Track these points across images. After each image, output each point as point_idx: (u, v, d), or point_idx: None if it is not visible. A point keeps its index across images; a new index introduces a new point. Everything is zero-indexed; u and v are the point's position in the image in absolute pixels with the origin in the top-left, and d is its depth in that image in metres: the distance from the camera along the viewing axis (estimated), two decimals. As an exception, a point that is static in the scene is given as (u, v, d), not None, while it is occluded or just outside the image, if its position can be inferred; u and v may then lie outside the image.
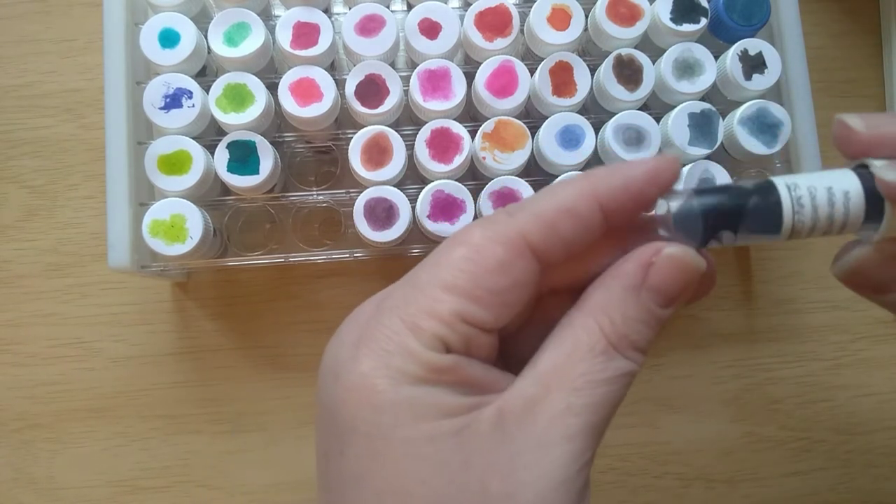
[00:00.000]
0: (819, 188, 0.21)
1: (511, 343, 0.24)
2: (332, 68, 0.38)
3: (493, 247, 0.21)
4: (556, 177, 0.36)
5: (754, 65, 0.37)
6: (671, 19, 0.36)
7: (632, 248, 0.22)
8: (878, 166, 0.21)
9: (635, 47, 0.37)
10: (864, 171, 0.21)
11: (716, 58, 0.37)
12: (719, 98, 0.38)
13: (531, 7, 0.37)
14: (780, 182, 0.21)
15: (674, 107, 0.37)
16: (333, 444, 0.21)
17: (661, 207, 0.22)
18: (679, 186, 0.22)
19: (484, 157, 0.36)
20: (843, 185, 0.21)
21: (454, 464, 0.20)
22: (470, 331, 0.21)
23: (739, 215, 0.21)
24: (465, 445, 0.20)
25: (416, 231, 0.37)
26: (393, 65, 0.37)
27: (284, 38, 0.36)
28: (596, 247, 0.22)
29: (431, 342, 0.20)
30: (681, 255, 0.21)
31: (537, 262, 0.21)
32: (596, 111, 0.38)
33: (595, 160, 0.37)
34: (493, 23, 0.36)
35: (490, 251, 0.21)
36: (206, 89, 0.36)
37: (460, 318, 0.21)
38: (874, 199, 0.21)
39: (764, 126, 0.36)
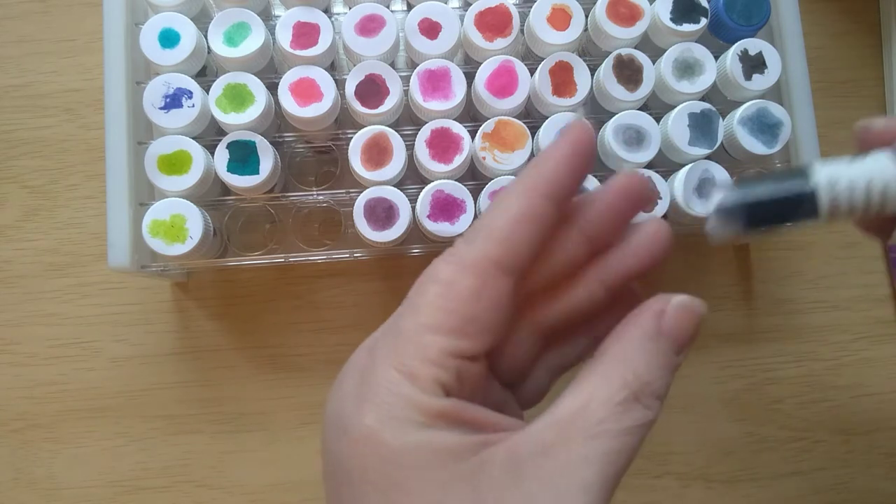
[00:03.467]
0: (858, 181, 0.22)
1: (503, 361, 0.24)
2: (332, 68, 0.38)
3: (463, 278, 0.22)
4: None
5: (754, 65, 0.37)
6: (671, 19, 0.36)
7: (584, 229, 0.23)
8: None
9: (635, 47, 0.37)
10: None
11: (716, 58, 0.37)
12: (719, 98, 0.38)
13: (531, 7, 0.37)
14: (818, 168, 0.22)
15: (674, 107, 0.37)
16: (346, 497, 0.22)
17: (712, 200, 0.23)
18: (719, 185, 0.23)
19: (484, 157, 0.36)
20: (882, 172, 0.22)
21: None
22: (460, 364, 0.21)
23: (778, 206, 0.22)
24: (478, 489, 0.20)
25: (416, 231, 0.37)
26: (393, 65, 0.37)
27: (284, 38, 0.36)
28: (555, 241, 0.23)
29: (429, 387, 0.21)
30: (688, 302, 0.22)
31: (508, 278, 0.22)
32: (596, 111, 0.38)
33: (595, 160, 0.37)
34: (493, 23, 0.36)
35: (461, 283, 0.22)
36: (206, 89, 0.36)
37: (449, 355, 0.21)
38: None
39: (764, 126, 0.36)
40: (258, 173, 0.36)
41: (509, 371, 0.25)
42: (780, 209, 0.22)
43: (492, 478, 0.20)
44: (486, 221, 0.22)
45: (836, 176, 0.22)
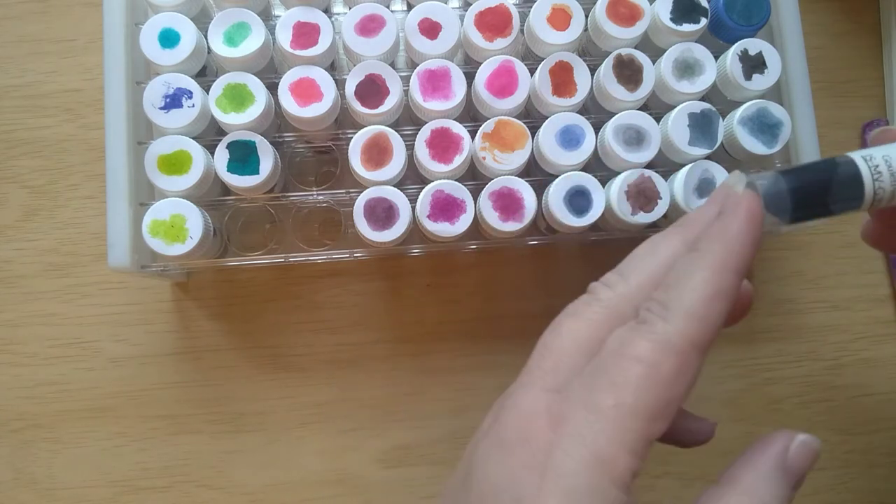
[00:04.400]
0: (893, 156, 0.22)
1: None
2: (332, 68, 0.38)
3: (668, 360, 0.21)
4: (556, 177, 0.36)
5: (754, 65, 0.37)
6: (671, 19, 0.36)
7: None
8: None
9: (635, 47, 0.37)
10: None
11: (716, 58, 0.37)
12: (719, 98, 0.38)
13: (531, 7, 0.37)
14: (856, 155, 0.22)
15: (674, 107, 0.37)
16: None
17: (750, 192, 0.23)
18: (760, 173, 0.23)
19: (484, 157, 0.36)
20: None
21: None
22: (648, 447, 0.21)
23: (825, 190, 0.22)
24: None
25: (416, 231, 0.37)
26: (393, 65, 0.37)
27: (284, 38, 0.36)
28: None
29: (622, 476, 0.20)
30: (810, 441, 0.23)
31: (702, 357, 0.22)
32: (596, 111, 0.38)
33: (595, 160, 0.37)
34: (493, 23, 0.36)
35: (666, 365, 0.21)
36: (206, 89, 0.36)
37: (648, 441, 0.21)
38: None
39: (764, 126, 0.36)
40: (258, 173, 0.36)
41: None
42: (823, 186, 0.22)
43: None
44: (683, 298, 0.21)
45: (870, 153, 0.22)
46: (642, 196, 0.36)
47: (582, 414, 0.21)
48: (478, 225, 0.37)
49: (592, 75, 0.37)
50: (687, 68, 0.37)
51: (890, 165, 0.22)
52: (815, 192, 0.22)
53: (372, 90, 0.36)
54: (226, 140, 0.36)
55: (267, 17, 0.37)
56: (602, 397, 0.21)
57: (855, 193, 0.22)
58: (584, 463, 0.20)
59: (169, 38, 0.36)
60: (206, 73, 0.38)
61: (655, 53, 0.37)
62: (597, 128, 0.37)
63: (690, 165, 0.36)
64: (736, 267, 0.22)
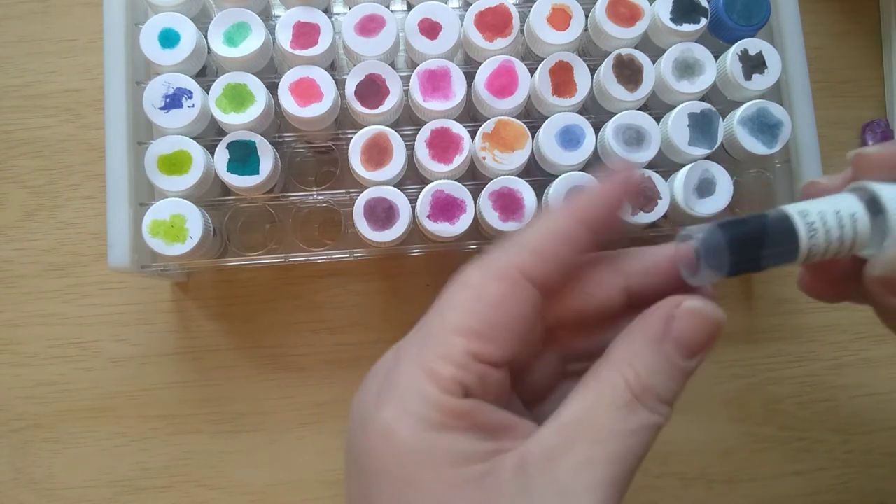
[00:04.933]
0: (828, 212, 0.22)
1: (526, 379, 0.24)
2: (332, 68, 0.38)
3: (492, 283, 0.22)
4: (556, 177, 0.36)
5: (754, 65, 0.37)
6: (671, 19, 0.36)
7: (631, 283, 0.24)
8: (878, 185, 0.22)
9: (635, 47, 0.37)
10: (862, 193, 0.22)
11: (716, 58, 0.37)
12: (719, 98, 0.38)
13: (531, 7, 0.37)
14: (793, 210, 0.22)
15: (674, 107, 0.37)
16: (361, 490, 0.22)
17: (685, 245, 0.23)
18: (693, 229, 0.23)
19: (484, 157, 0.36)
20: (849, 208, 0.22)
21: None
22: (483, 369, 0.22)
23: (760, 244, 0.22)
24: (487, 492, 0.20)
25: (416, 231, 0.37)
26: (393, 65, 0.37)
27: (284, 38, 0.36)
28: (594, 276, 0.24)
29: (448, 386, 0.21)
30: (700, 306, 0.22)
31: (536, 290, 0.22)
32: (596, 111, 0.38)
33: (595, 160, 0.37)
34: (493, 23, 0.36)
35: (490, 288, 0.22)
36: (206, 89, 0.36)
37: (473, 357, 0.21)
38: (877, 215, 0.22)
39: (764, 126, 0.36)
40: (258, 173, 0.36)
41: (530, 389, 0.25)
42: (757, 240, 0.22)
43: (501, 482, 0.20)
44: (523, 234, 0.23)
45: (805, 208, 0.22)
46: (642, 196, 0.36)
47: (417, 338, 0.23)
48: (478, 225, 0.37)
49: (592, 75, 0.37)
50: (687, 68, 0.37)
51: (825, 222, 0.22)
52: (750, 247, 0.22)
53: (372, 90, 0.36)
54: (226, 140, 0.36)
55: (267, 17, 0.37)
56: (432, 320, 0.23)
57: (790, 249, 0.22)
58: (412, 375, 0.22)
59: (169, 38, 0.36)
60: (206, 73, 0.38)
61: (655, 53, 0.37)
62: (597, 128, 0.37)
63: (690, 165, 0.36)
64: (584, 217, 0.23)
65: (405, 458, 0.21)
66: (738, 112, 0.36)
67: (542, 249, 0.22)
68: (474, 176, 0.38)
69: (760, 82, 0.36)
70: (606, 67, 0.36)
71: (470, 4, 0.37)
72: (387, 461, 0.21)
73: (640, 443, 0.21)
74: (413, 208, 0.36)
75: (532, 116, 0.38)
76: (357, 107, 0.36)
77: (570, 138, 0.36)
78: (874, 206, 0.22)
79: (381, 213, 0.36)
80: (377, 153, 0.36)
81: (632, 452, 0.21)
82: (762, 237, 0.22)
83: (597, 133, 0.37)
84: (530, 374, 0.25)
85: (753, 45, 0.37)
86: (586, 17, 0.37)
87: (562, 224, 0.23)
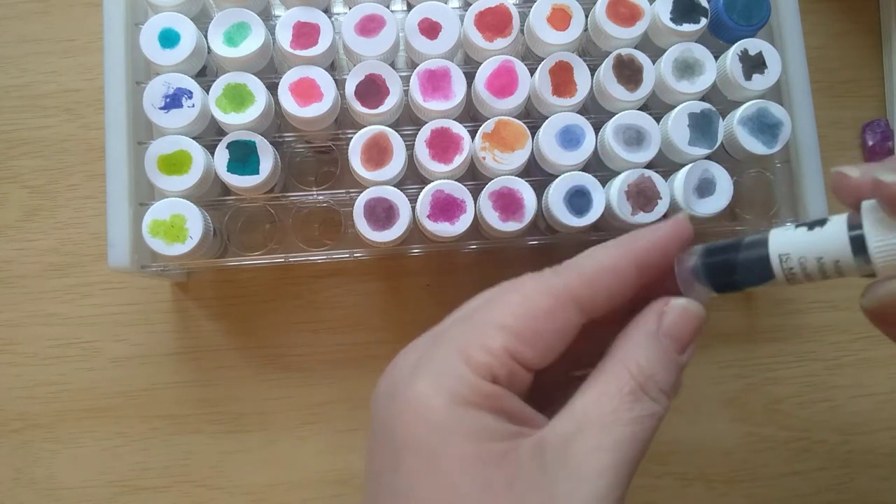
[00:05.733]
0: (809, 258, 0.22)
1: (536, 382, 0.26)
2: (332, 68, 0.38)
3: (543, 297, 0.24)
4: (556, 177, 0.36)
5: (754, 65, 0.37)
6: (671, 19, 0.36)
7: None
8: (866, 208, 0.22)
9: (635, 47, 0.37)
10: (857, 229, 0.22)
11: (716, 58, 0.37)
12: (719, 98, 0.38)
13: (531, 7, 0.37)
14: (773, 250, 0.23)
15: (674, 107, 0.37)
16: (389, 460, 0.23)
17: (680, 266, 0.25)
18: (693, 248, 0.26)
19: (484, 157, 0.36)
20: (834, 252, 0.22)
21: (498, 484, 0.22)
22: (515, 367, 0.23)
23: (734, 273, 0.24)
24: (508, 468, 0.22)
25: (416, 231, 0.37)
26: (393, 65, 0.37)
27: (284, 38, 0.36)
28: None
29: (482, 371, 0.23)
30: (684, 303, 0.25)
31: (580, 314, 0.24)
32: (596, 111, 0.38)
33: (595, 160, 0.37)
34: (493, 23, 0.36)
35: (540, 300, 0.24)
36: (206, 89, 0.36)
37: (509, 354, 0.23)
38: (860, 247, 0.22)
39: (764, 126, 0.36)
40: (258, 173, 0.36)
41: (538, 393, 0.26)
42: (740, 277, 0.24)
43: (520, 461, 0.22)
44: (578, 262, 0.25)
45: (788, 247, 0.23)
46: (642, 196, 0.36)
47: (459, 326, 0.25)
48: (478, 225, 0.37)
49: (592, 75, 0.37)
50: (687, 68, 0.37)
51: (804, 267, 0.23)
52: (727, 275, 0.24)
53: (372, 90, 0.36)
54: (226, 140, 0.36)
55: (267, 17, 0.37)
56: (477, 311, 0.25)
57: (766, 278, 0.24)
58: (450, 355, 0.23)
59: (169, 38, 0.36)
60: (206, 73, 0.38)
61: (655, 53, 0.37)
62: (597, 128, 0.37)
63: (690, 165, 0.36)
64: (636, 257, 0.24)
65: (435, 428, 0.22)
66: (738, 112, 0.36)
67: (596, 280, 0.24)
68: (474, 176, 0.38)
69: (760, 82, 0.36)
70: (606, 67, 0.36)
71: (470, 4, 0.37)
72: (418, 430, 0.23)
73: (644, 430, 0.22)
74: (413, 208, 0.36)
75: (532, 116, 0.38)
76: (357, 107, 0.36)
77: (570, 138, 0.36)
78: (861, 246, 0.22)
79: (381, 213, 0.36)
80: (377, 153, 0.36)
81: (637, 439, 0.22)
82: (736, 268, 0.24)
83: (597, 133, 0.37)
84: (545, 381, 0.26)
85: (753, 45, 0.37)
86: (586, 17, 0.37)
87: (618, 261, 0.24)
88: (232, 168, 0.36)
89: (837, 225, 0.22)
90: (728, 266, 0.24)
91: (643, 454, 0.23)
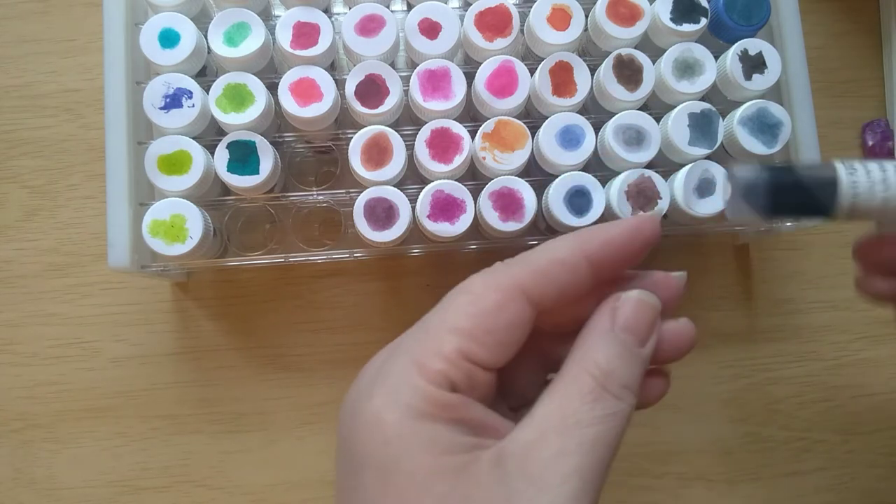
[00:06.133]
0: (874, 169, 0.23)
1: (513, 386, 0.26)
2: (332, 68, 0.38)
3: (491, 293, 0.23)
4: (556, 177, 0.36)
5: (754, 65, 0.37)
6: (671, 19, 0.36)
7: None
8: None
9: (635, 47, 0.37)
10: None
11: (716, 58, 0.37)
12: (719, 98, 0.38)
13: (531, 7, 0.37)
14: (842, 175, 0.23)
15: (674, 107, 0.37)
16: (350, 478, 0.23)
17: (730, 183, 0.25)
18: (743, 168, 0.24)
19: (484, 157, 0.36)
20: None
21: (454, 499, 0.21)
22: (471, 369, 0.23)
23: (798, 193, 0.23)
24: (465, 482, 0.21)
25: (416, 231, 0.37)
26: (393, 65, 0.37)
27: (284, 38, 0.36)
28: (587, 297, 0.25)
29: (437, 379, 0.22)
30: (637, 294, 0.24)
31: (531, 307, 0.23)
32: (596, 111, 0.38)
33: (595, 160, 0.37)
34: (493, 23, 0.36)
35: (488, 297, 0.23)
36: (206, 89, 0.36)
37: (463, 356, 0.23)
38: None
39: (764, 126, 0.36)
40: (258, 173, 0.36)
41: (517, 396, 0.26)
42: (801, 195, 0.23)
43: (479, 474, 0.21)
44: (529, 254, 0.24)
45: (859, 172, 0.23)
46: (642, 196, 0.36)
47: (413, 335, 0.24)
48: (478, 225, 0.37)
49: (592, 75, 0.37)
50: (687, 68, 0.37)
51: (870, 175, 0.23)
52: (790, 190, 0.23)
53: (372, 90, 0.36)
54: (226, 140, 0.36)
55: (267, 17, 0.37)
56: (429, 319, 0.24)
57: (831, 199, 0.23)
58: (404, 367, 0.23)
59: (169, 38, 0.36)
60: (206, 73, 0.38)
61: (655, 53, 0.37)
62: (597, 128, 0.37)
63: (690, 165, 0.36)
64: (589, 254, 0.24)
65: (391, 443, 0.22)
66: (738, 112, 0.36)
67: (545, 272, 0.24)
68: (474, 176, 0.38)
69: (760, 82, 0.36)
70: (606, 67, 0.36)
71: (470, 4, 0.37)
72: (374, 447, 0.22)
73: (608, 430, 0.22)
74: (413, 208, 0.36)
75: (532, 116, 0.38)
76: (357, 107, 0.36)
77: (570, 138, 0.36)
78: None
79: (381, 213, 0.36)
80: (377, 153, 0.36)
81: (602, 440, 0.22)
82: (802, 187, 0.23)
83: (597, 133, 0.37)
84: (517, 382, 0.26)
85: (753, 45, 0.37)
86: (586, 17, 0.37)
87: (568, 255, 0.24)
88: (232, 168, 0.36)
89: None
90: (794, 186, 0.23)
91: (612, 455, 0.22)
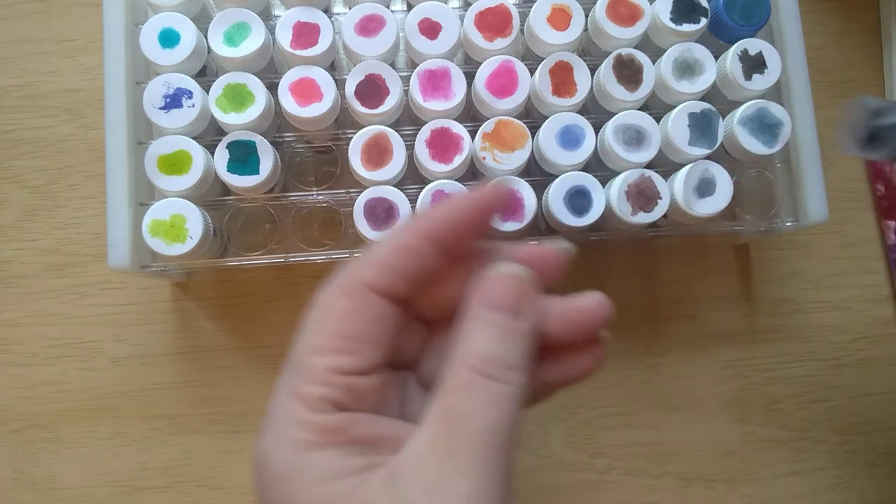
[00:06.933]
0: None
1: (425, 366, 0.25)
2: (332, 68, 0.38)
3: (340, 299, 0.23)
4: (556, 177, 0.36)
5: (754, 65, 0.37)
6: (671, 19, 0.36)
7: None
8: None
9: (635, 47, 0.37)
10: None
11: (716, 58, 0.37)
12: (719, 98, 0.38)
13: (531, 7, 0.37)
14: None
15: (674, 107, 0.37)
16: None
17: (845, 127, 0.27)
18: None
19: (484, 157, 0.36)
20: None
21: None
22: (350, 380, 0.22)
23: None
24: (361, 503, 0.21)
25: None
26: (393, 65, 0.37)
27: (284, 38, 0.36)
28: (454, 272, 0.24)
29: (317, 405, 0.22)
30: (500, 268, 0.23)
31: (385, 300, 0.23)
32: (596, 111, 0.38)
33: (595, 160, 0.37)
34: (493, 23, 0.36)
35: (338, 304, 0.23)
36: (206, 89, 0.36)
37: (335, 372, 0.22)
38: None
39: (764, 126, 0.36)
40: (258, 173, 0.36)
41: (432, 378, 0.25)
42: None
43: (372, 492, 0.21)
44: (371, 249, 0.24)
45: None
46: (642, 196, 0.36)
47: (286, 368, 0.23)
48: (478, 225, 0.37)
49: (592, 75, 0.37)
50: (687, 68, 0.37)
51: None
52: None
53: (372, 90, 0.36)
54: (226, 140, 0.36)
55: (267, 17, 0.37)
56: (297, 350, 0.23)
57: None
58: (283, 402, 0.22)
59: (169, 38, 0.36)
60: (206, 73, 0.38)
61: (655, 53, 0.37)
62: (597, 128, 0.37)
63: (690, 165, 0.36)
64: (427, 232, 0.23)
65: (281, 480, 0.21)
66: (738, 112, 0.36)
67: (387, 262, 0.23)
68: (474, 176, 0.38)
69: (760, 82, 0.36)
70: (606, 67, 0.36)
71: (470, 4, 0.37)
72: (268, 486, 0.22)
73: (499, 415, 0.21)
74: (413, 208, 0.36)
75: (532, 116, 0.38)
76: (357, 107, 0.36)
77: (570, 138, 0.36)
78: None
79: (381, 213, 0.36)
80: (377, 153, 0.36)
81: (494, 428, 0.21)
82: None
83: (597, 133, 0.37)
84: (424, 364, 0.25)
85: (753, 45, 0.37)
86: (586, 17, 0.37)
87: (410, 240, 0.23)
88: (232, 168, 0.36)
89: None
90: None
91: (512, 440, 0.21)
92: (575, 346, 0.24)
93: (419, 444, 0.21)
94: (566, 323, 0.24)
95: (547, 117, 0.37)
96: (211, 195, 0.38)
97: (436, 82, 0.36)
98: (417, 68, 0.36)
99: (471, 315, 0.23)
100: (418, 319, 0.25)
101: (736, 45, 0.36)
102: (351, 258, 0.26)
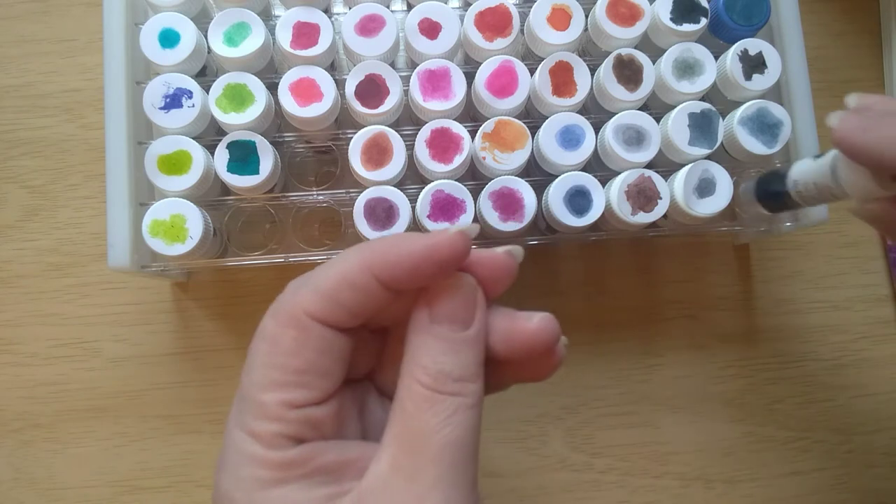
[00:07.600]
0: (808, 182, 0.30)
1: (382, 374, 0.25)
2: (332, 68, 0.38)
3: (284, 331, 0.22)
4: (556, 177, 0.36)
5: (754, 65, 0.37)
6: (671, 19, 0.36)
7: None
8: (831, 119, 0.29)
9: (635, 47, 0.37)
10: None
11: (716, 58, 0.37)
12: (719, 98, 0.38)
13: (531, 7, 0.37)
14: (789, 176, 0.31)
15: (674, 107, 0.37)
16: None
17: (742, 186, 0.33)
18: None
19: (484, 157, 0.36)
20: (823, 177, 0.30)
21: None
22: (306, 413, 0.22)
23: (773, 195, 0.33)
24: None
25: (416, 231, 0.37)
26: (393, 65, 0.37)
27: (284, 38, 0.36)
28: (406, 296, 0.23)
29: (274, 441, 0.21)
30: (446, 282, 0.22)
31: (330, 330, 0.22)
32: (596, 111, 0.38)
33: (595, 160, 0.37)
34: (493, 23, 0.36)
35: (285, 335, 0.22)
36: (206, 89, 0.36)
37: (289, 406, 0.21)
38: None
39: (764, 126, 0.36)
40: (258, 173, 0.36)
41: (390, 385, 0.25)
42: (772, 199, 0.33)
43: None
44: (317, 274, 0.23)
45: (798, 173, 0.31)
46: (642, 196, 0.36)
47: (236, 403, 0.23)
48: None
49: (592, 75, 0.37)
50: (687, 68, 0.37)
51: (805, 186, 0.30)
52: (765, 194, 0.33)
53: (372, 90, 0.36)
54: (226, 140, 0.36)
55: (267, 17, 0.37)
56: (243, 383, 0.22)
57: (783, 196, 0.32)
58: (238, 441, 0.22)
59: (169, 38, 0.36)
60: (206, 73, 0.38)
61: (655, 53, 0.37)
62: (597, 128, 0.37)
63: (690, 165, 0.36)
64: (376, 270, 0.22)
65: None
66: (738, 112, 0.36)
67: (328, 293, 0.22)
68: (474, 176, 0.38)
69: (760, 82, 0.36)
70: (606, 67, 0.36)
71: (470, 4, 0.37)
72: None
73: (458, 429, 0.21)
74: (413, 208, 0.36)
75: (532, 116, 0.38)
76: (357, 107, 0.36)
77: (570, 138, 0.36)
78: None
79: (381, 213, 0.36)
80: (377, 153, 0.36)
81: (454, 442, 0.21)
82: (771, 190, 0.33)
83: (597, 133, 0.37)
84: (390, 379, 0.25)
85: (753, 45, 0.37)
86: (586, 17, 0.37)
87: (356, 276, 0.22)
88: (232, 168, 0.36)
89: (828, 156, 0.30)
90: (766, 190, 0.33)
91: (473, 451, 0.21)
92: (524, 361, 0.24)
93: (382, 468, 0.21)
94: (511, 342, 0.23)
95: (547, 117, 0.36)
96: (211, 195, 0.38)
97: (436, 82, 0.36)
98: (417, 68, 0.36)
99: (417, 328, 0.22)
100: (371, 330, 0.24)
101: (736, 45, 0.36)
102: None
